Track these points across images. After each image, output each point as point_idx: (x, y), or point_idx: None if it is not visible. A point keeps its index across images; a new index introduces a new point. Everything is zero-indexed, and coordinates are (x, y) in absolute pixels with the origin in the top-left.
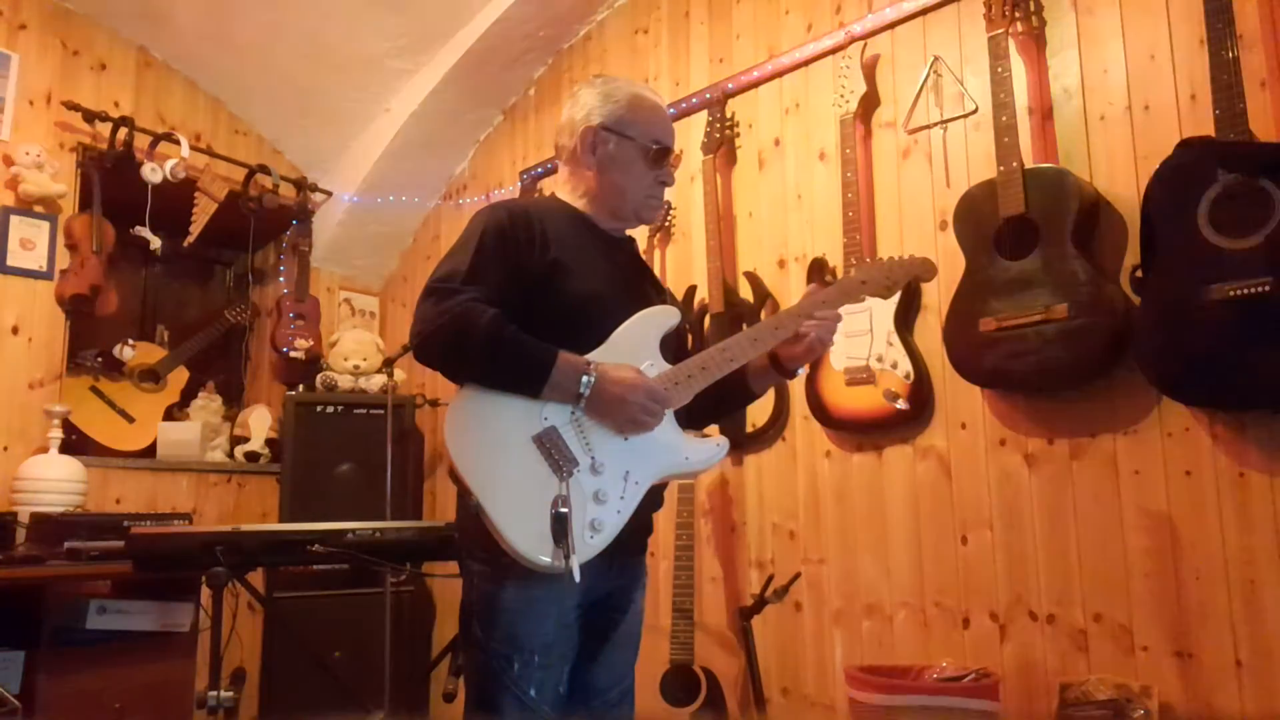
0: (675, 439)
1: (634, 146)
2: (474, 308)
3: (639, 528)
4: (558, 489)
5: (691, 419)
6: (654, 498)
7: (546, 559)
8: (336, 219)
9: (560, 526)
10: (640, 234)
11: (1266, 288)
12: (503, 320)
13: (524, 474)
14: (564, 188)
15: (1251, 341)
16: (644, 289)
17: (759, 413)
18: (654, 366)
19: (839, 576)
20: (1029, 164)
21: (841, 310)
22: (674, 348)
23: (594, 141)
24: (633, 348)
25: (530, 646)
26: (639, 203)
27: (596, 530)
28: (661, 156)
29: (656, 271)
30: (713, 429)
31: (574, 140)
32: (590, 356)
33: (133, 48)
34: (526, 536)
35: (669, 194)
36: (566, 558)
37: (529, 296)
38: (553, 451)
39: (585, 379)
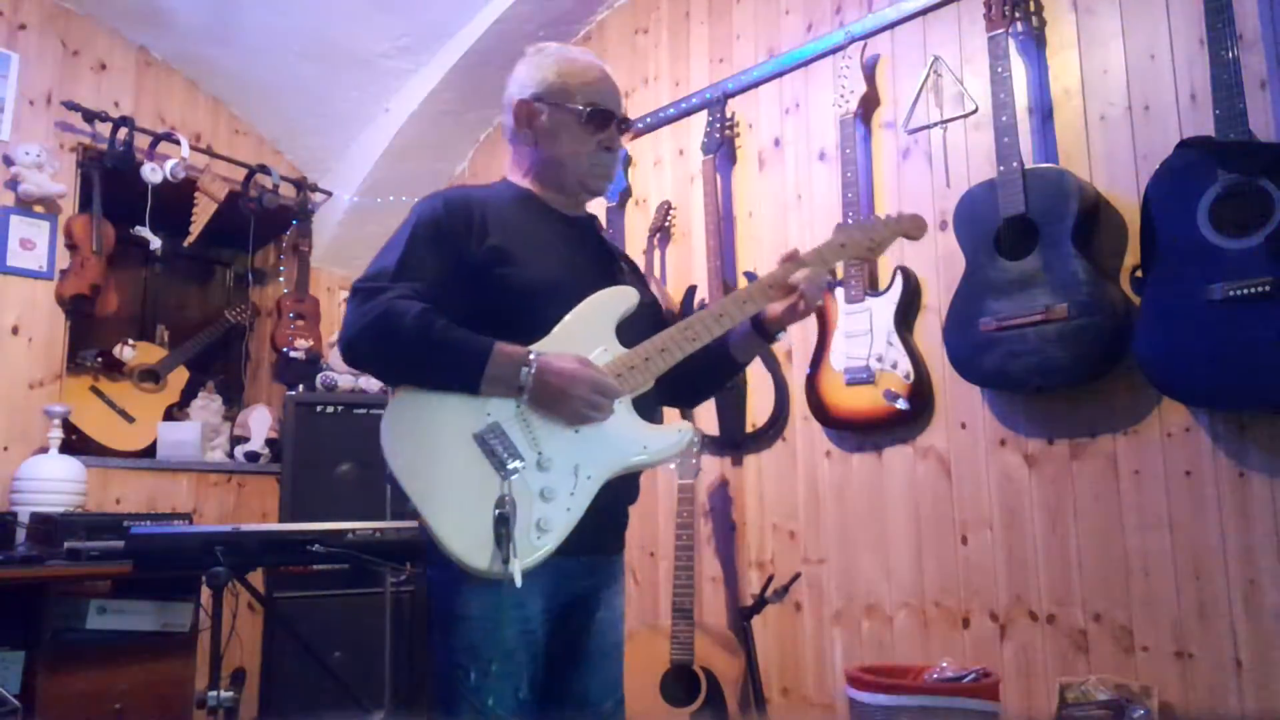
0: (631, 429)
1: (567, 113)
2: (398, 305)
3: (608, 523)
4: (499, 489)
5: (677, 394)
6: (625, 490)
7: (485, 564)
8: (336, 219)
9: (501, 529)
10: (640, 233)
11: (1267, 287)
12: (431, 315)
13: (464, 475)
14: (512, 169)
15: (1251, 341)
16: (606, 270)
17: (759, 413)
18: (608, 353)
19: (839, 576)
20: (1029, 164)
21: (843, 311)
22: (645, 329)
23: (528, 115)
24: (584, 334)
25: (489, 656)
26: (583, 173)
27: (543, 530)
28: (599, 120)
29: (656, 271)
30: (681, 414)
31: (510, 118)
32: (537, 346)
33: (133, 48)
34: (465, 541)
35: (669, 193)
36: (506, 562)
37: (472, 288)
38: (496, 448)
39: (525, 370)
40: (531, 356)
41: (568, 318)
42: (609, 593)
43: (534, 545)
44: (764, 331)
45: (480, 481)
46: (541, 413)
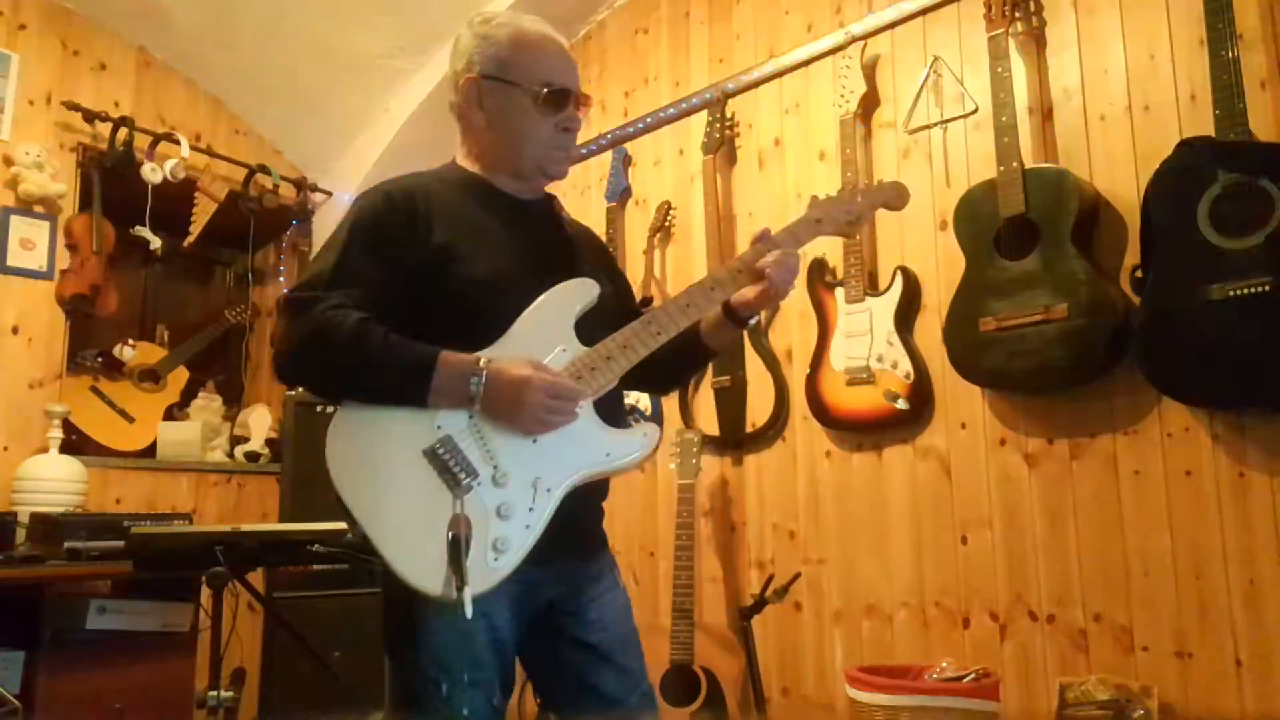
0: (593, 434)
1: (522, 93)
2: (333, 316)
3: (578, 527)
4: (452, 509)
5: (648, 381)
6: (593, 490)
7: (438, 590)
8: (336, 219)
9: (454, 553)
10: (640, 233)
11: (1266, 287)
12: (369, 326)
13: (414, 494)
14: (460, 151)
15: (1251, 341)
16: (566, 260)
17: (759, 413)
18: (567, 352)
19: (839, 576)
20: (1029, 164)
21: (843, 311)
22: (611, 321)
23: (478, 94)
24: (541, 334)
25: (460, 667)
26: (541, 157)
27: (500, 551)
28: (556, 99)
29: (657, 271)
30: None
31: (458, 96)
32: (491, 350)
33: (133, 48)
34: (418, 566)
35: (669, 194)
36: (459, 589)
37: (418, 290)
38: (449, 464)
39: (474, 380)
40: (481, 364)
41: (523, 317)
42: (594, 591)
43: (490, 568)
44: (736, 317)
45: (432, 501)
46: (496, 424)
